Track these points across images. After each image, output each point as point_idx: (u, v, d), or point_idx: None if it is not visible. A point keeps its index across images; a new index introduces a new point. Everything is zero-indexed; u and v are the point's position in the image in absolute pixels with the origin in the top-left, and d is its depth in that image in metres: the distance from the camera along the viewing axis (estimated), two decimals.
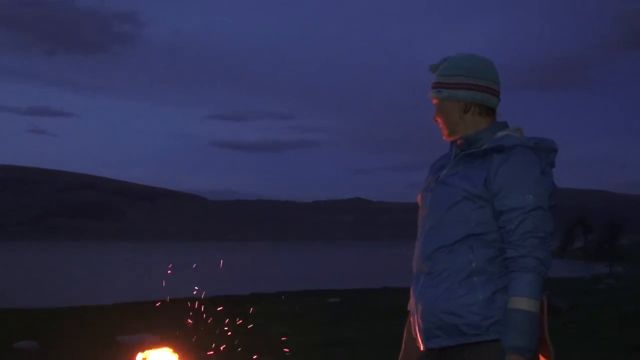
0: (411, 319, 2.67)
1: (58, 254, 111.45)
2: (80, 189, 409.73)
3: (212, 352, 5.01)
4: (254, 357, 6.03)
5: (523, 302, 2.39)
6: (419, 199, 2.72)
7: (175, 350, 3.30)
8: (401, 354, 2.81)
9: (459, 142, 2.64)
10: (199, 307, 6.68)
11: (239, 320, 7.65)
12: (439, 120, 2.69)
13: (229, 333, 6.67)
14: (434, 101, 2.70)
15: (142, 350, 3.31)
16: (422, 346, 2.59)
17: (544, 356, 2.52)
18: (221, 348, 6.37)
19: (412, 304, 2.65)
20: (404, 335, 2.79)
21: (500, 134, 2.59)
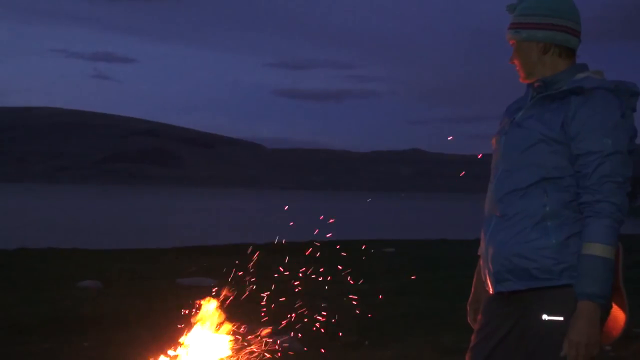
0: (481, 262, 2.63)
1: (119, 197, 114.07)
2: (142, 134, 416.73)
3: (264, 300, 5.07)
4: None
5: (598, 248, 2.34)
6: (493, 142, 2.64)
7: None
8: (471, 297, 2.78)
9: (536, 84, 2.55)
10: (260, 253, 6.75)
11: (296, 267, 7.75)
12: (516, 62, 2.60)
13: (290, 282, 6.76)
14: (512, 42, 2.60)
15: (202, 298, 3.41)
16: (491, 289, 2.55)
17: (618, 304, 2.46)
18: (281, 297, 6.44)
19: (482, 248, 2.60)
20: (474, 279, 2.76)
21: (579, 75, 2.49)
